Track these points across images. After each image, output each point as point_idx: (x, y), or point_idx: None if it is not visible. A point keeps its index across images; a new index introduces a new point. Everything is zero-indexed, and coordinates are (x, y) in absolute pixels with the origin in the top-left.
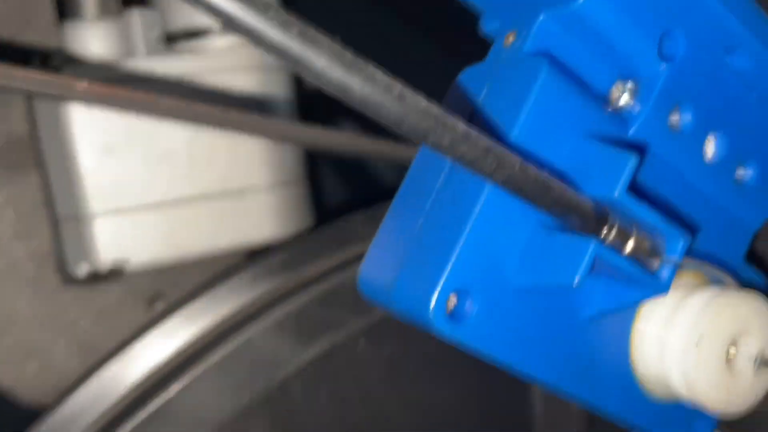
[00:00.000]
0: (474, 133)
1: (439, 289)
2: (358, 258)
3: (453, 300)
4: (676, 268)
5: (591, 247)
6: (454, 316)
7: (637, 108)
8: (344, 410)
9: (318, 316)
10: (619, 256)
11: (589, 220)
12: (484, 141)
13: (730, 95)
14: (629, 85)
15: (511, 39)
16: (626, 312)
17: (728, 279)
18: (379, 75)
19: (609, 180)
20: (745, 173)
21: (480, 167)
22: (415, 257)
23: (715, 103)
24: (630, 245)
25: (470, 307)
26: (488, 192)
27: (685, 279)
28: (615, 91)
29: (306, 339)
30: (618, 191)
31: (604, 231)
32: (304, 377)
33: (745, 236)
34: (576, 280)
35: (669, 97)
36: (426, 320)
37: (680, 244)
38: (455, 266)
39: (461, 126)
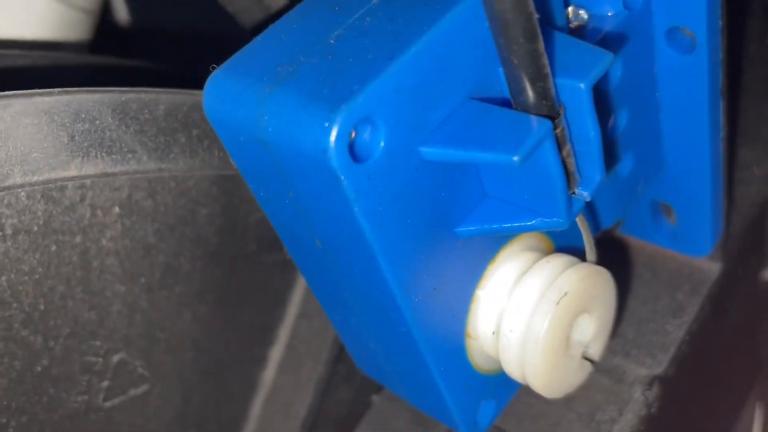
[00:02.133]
0: None
1: (351, 108)
2: None
3: (356, 134)
4: (582, 208)
5: (546, 126)
6: (355, 151)
7: None
8: None
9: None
10: (557, 154)
11: (547, 102)
12: None
13: (645, 76)
14: (582, 13)
15: None
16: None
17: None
18: None
19: (580, 68)
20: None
21: None
22: (318, 71)
23: (634, 77)
24: (563, 155)
25: (374, 147)
26: (446, 22)
27: (530, 241)
28: (569, 11)
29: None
30: (587, 82)
31: (554, 123)
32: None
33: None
34: (519, 157)
35: (608, 47)
36: (319, 147)
37: (596, 179)
38: (377, 89)
39: None
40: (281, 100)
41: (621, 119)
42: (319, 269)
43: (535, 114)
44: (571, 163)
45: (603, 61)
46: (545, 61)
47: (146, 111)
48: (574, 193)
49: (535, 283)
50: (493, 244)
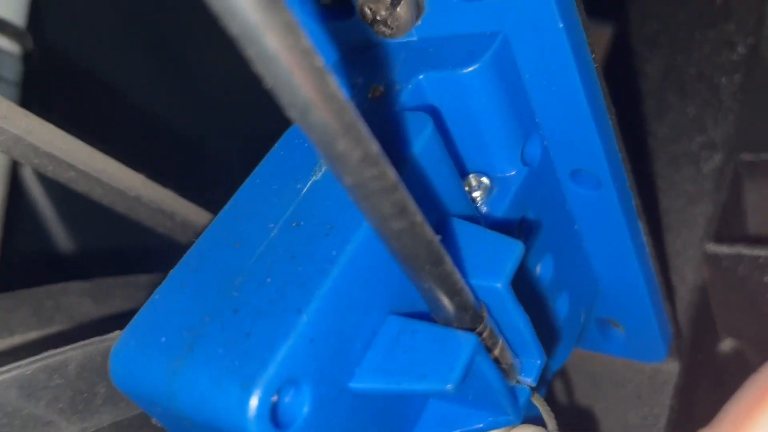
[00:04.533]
0: (385, 159)
1: (266, 381)
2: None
3: (278, 397)
4: (530, 395)
5: (473, 344)
6: (278, 418)
7: (485, 209)
8: None
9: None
10: (490, 361)
11: (467, 312)
12: (392, 174)
13: (560, 215)
14: (484, 180)
15: (378, 92)
16: None
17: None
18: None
19: (494, 268)
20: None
21: (382, 206)
22: (225, 335)
23: (550, 221)
24: (495, 355)
25: (299, 408)
26: (349, 255)
27: None
28: (471, 179)
29: None
30: (503, 281)
31: (479, 330)
32: None
33: None
34: (452, 385)
35: (519, 204)
36: (239, 426)
37: (537, 364)
38: (291, 351)
39: (375, 145)
40: (191, 376)
41: (547, 267)
42: None
43: (457, 326)
44: (506, 357)
45: (515, 254)
46: (457, 277)
47: (56, 376)
48: (517, 381)
49: None
50: None
